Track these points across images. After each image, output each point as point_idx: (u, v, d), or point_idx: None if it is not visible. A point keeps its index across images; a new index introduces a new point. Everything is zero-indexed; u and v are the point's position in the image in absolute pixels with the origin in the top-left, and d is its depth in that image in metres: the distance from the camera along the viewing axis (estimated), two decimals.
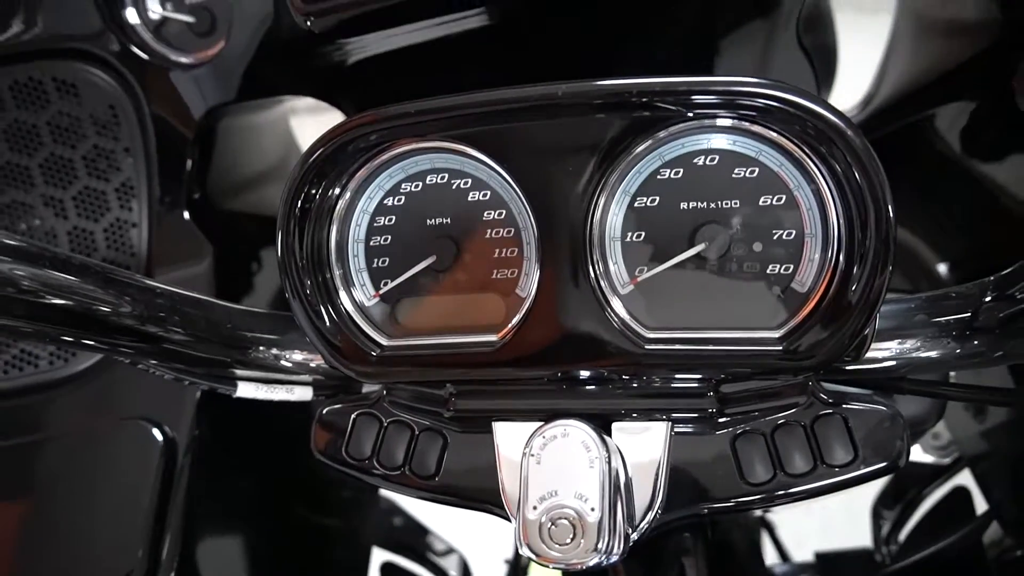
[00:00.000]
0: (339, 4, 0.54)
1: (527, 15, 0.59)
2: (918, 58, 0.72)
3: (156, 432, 0.63)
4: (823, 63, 0.65)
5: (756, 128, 0.41)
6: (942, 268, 0.75)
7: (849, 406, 0.45)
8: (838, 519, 0.86)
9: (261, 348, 0.53)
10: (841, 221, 0.42)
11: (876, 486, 0.86)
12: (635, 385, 0.46)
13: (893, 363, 0.46)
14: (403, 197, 0.48)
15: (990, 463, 0.72)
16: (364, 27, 0.57)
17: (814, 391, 0.45)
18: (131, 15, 0.63)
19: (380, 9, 0.53)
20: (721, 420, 0.46)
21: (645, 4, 0.63)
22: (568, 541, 0.40)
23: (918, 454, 0.86)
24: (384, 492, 0.92)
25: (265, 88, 0.66)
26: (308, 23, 0.55)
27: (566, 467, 0.41)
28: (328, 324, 0.48)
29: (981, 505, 0.73)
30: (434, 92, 0.67)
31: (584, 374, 0.46)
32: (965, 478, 0.77)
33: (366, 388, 0.55)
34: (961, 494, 0.78)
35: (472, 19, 0.57)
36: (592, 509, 0.40)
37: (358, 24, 0.56)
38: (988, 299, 0.43)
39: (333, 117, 0.70)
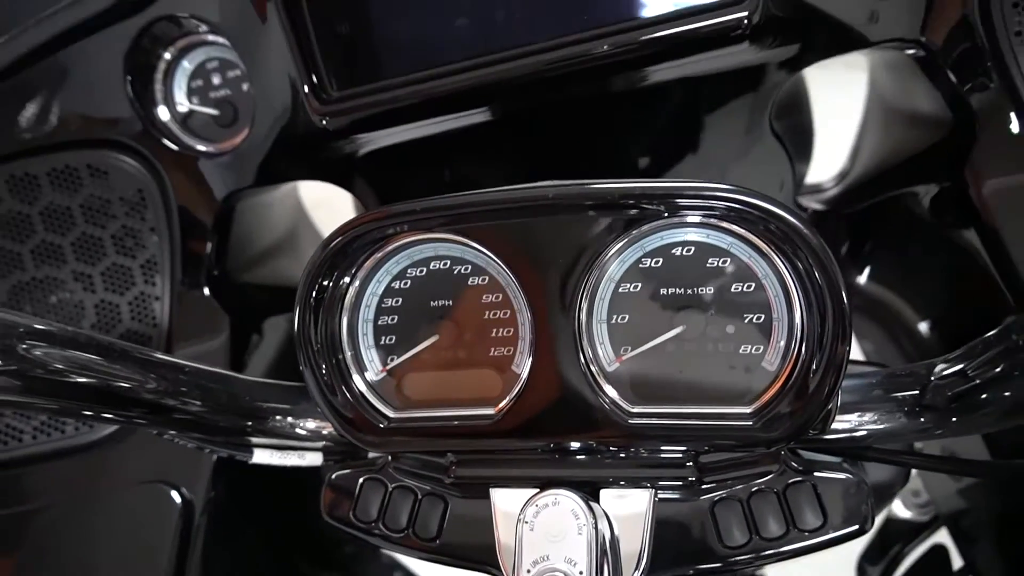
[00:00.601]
0: (351, 107, 0.60)
1: (523, 114, 0.65)
2: (887, 141, 0.77)
3: (174, 494, 0.66)
4: (798, 146, 0.70)
5: (725, 224, 0.45)
6: (923, 329, 0.80)
7: (818, 474, 0.48)
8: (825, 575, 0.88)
9: (276, 417, 0.56)
10: (803, 310, 0.44)
11: (861, 543, 0.89)
12: (621, 455, 0.49)
13: (855, 434, 0.50)
14: (409, 281, 0.53)
15: (965, 521, 0.75)
16: (373, 126, 0.62)
17: (786, 460, 0.49)
18: (162, 112, 0.69)
19: (388, 111, 0.59)
20: (701, 487, 0.49)
21: (633, 104, 0.69)
22: None
23: (901, 511, 0.89)
24: (387, 552, 0.94)
25: (281, 175, 0.70)
26: (323, 122, 0.61)
27: (556, 533, 0.44)
28: (340, 399, 0.52)
29: (958, 562, 0.76)
30: (435, 180, 0.72)
31: (574, 445, 0.49)
32: (944, 536, 0.80)
33: (372, 454, 0.57)
34: (940, 552, 0.81)
35: (471, 117, 0.63)
36: (580, 572, 0.43)
37: (368, 123, 0.62)
38: (934, 379, 0.45)
39: (339, 194, 0.76)
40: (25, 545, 0.66)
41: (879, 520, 0.90)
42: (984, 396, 0.44)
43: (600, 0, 0.57)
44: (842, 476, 0.48)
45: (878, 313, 0.80)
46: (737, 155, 0.75)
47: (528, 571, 0.44)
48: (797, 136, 0.72)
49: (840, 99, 0.83)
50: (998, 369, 0.43)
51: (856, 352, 0.91)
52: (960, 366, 0.45)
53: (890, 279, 0.80)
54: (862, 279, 0.84)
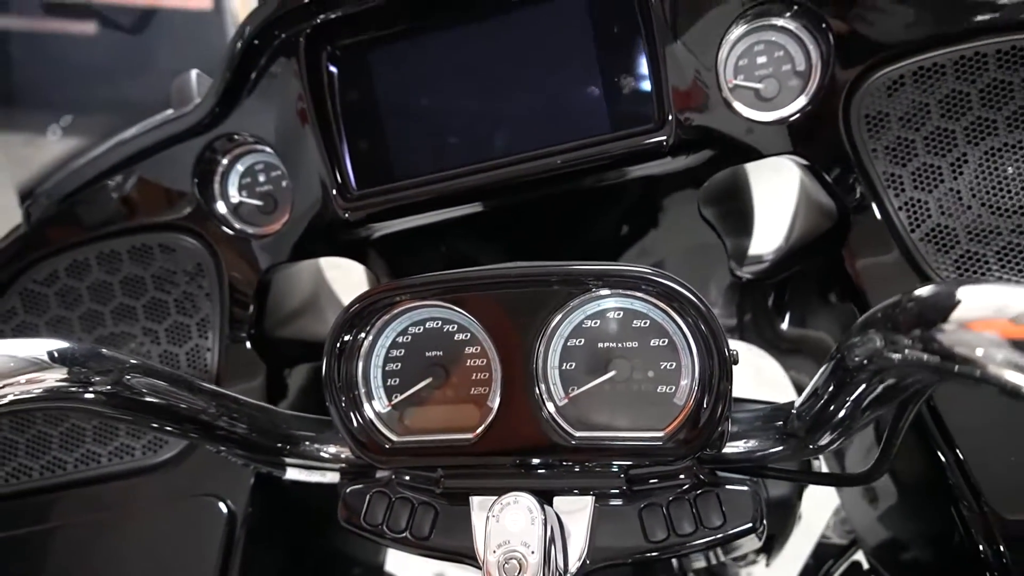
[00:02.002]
0: (368, 203, 0.73)
1: (507, 207, 0.77)
2: (798, 226, 0.90)
3: (221, 505, 0.75)
4: (725, 229, 0.81)
5: (639, 295, 0.57)
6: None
7: (722, 485, 0.58)
8: None
9: (305, 443, 0.67)
10: (697, 357, 0.56)
11: (798, 563, 0.99)
12: (569, 469, 0.59)
13: (749, 455, 0.59)
14: (410, 336, 0.63)
15: (878, 541, 0.85)
16: (386, 217, 0.75)
17: (697, 474, 0.58)
18: (219, 205, 0.80)
19: (397, 207, 0.73)
20: (631, 495, 0.59)
21: (595, 199, 0.81)
22: (516, 573, 0.53)
23: (830, 533, 0.99)
24: (389, 561, 1.05)
25: (310, 253, 0.81)
26: (346, 215, 0.74)
27: (516, 525, 0.55)
28: (355, 426, 0.62)
29: None
30: (436, 258, 0.85)
31: (534, 461, 0.59)
32: (861, 555, 0.91)
33: (380, 473, 0.66)
34: (857, 569, 0.91)
35: (464, 210, 0.76)
36: (532, 552, 0.53)
37: (382, 215, 0.74)
38: (794, 411, 0.55)
39: (355, 267, 0.88)
40: (97, 550, 0.76)
41: (812, 542, 1.00)
42: (821, 418, 0.52)
43: (558, 125, 0.69)
44: (741, 488, 0.57)
45: (800, 351, 0.92)
46: (682, 236, 0.86)
47: (494, 552, 0.54)
48: (724, 221, 0.83)
49: (760, 193, 0.97)
50: (827, 393, 0.50)
51: (783, 384, 1.02)
52: (809, 397, 0.53)
53: (803, 326, 0.92)
54: (784, 326, 0.97)
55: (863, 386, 0.44)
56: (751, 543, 0.64)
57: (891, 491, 0.74)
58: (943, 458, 0.62)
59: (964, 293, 0.35)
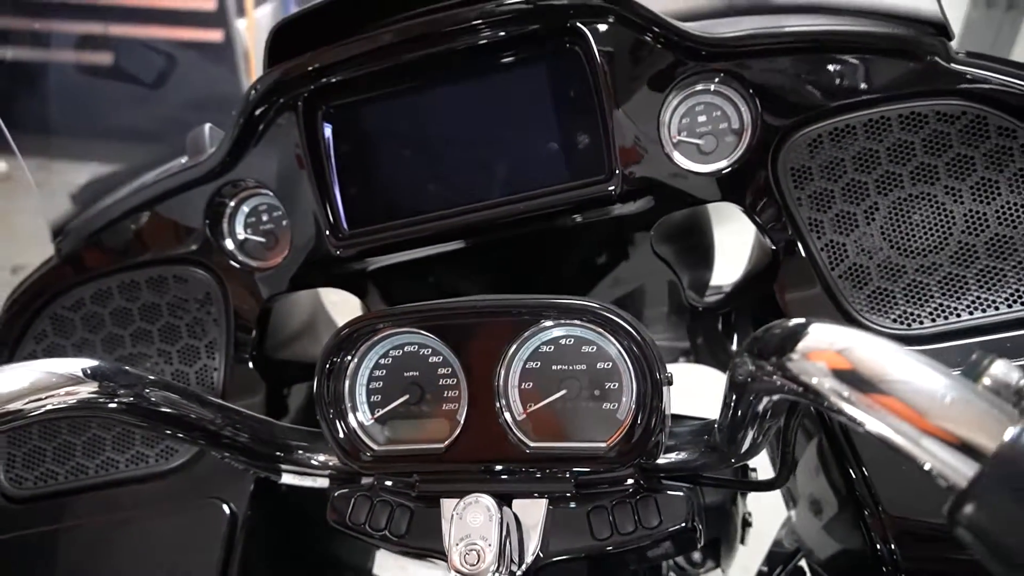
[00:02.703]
0: (358, 242, 0.78)
1: (483, 244, 0.82)
2: (751, 257, 0.99)
3: (224, 508, 0.81)
4: (677, 265, 0.87)
5: (585, 323, 0.64)
6: None
7: (660, 491, 0.64)
8: None
9: (298, 451, 0.72)
10: (634, 378, 0.62)
11: (755, 566, 1.06)
12: (530, 474, 0.65)
13: (680, 464, 0.65)
14: (391, 359, 0.70)
15: (813, 547, 0.92)
16: (374, 254, 0.80)
17: (639, 480, 0.64)
18: (227, 242, 0.86)
19: (384, 245, 0.78)
20: (580, 498, 0.64)
21: (560, 238, 0.86)
22: (475, 563, 0.59)
23: (784, 540, 1.07)
24: (376, 563, 1.12)
25: (307, 284, 0.86)
26: (337, 252, 0.79)
27: (476, 521, 0.61)
28: (341, 436, 0.68)
29: None
30: (421, 288, 0.93)
31: (496, 467, 0.65)
32: (803, 561, 0.98)
33: (364, 480, 0.71)
34: (799, 573, 0.99)
35: (445, 247, 0.81)
36: (489, 545, 0.59)
37: (370, 252, 0.79)
38: (716, 426, 0.60)
39: (347, 297, 0.93)
40: (113, 546, 0.82)
41: (765, 547, 1.07)
42: (732, 432, 0.56)
43: (523, 175, 0.75)
44: (676, 493, 0.63)
45: None
46: (644, 270, 0.93)
47: (456, 545, 0.60)
48: (677, 257, 0.89)
49: (716, 233, 1.06)
50: (729, 409, 0.55)
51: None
52: (722, 413, 0.58)
53: None
54: (733, 348, 1.03)
55: (750, 403, 0.51)
56: (708, 549, 0.70)
57: (828, 502, 0.81)
58: (853, 473, 0.70)
59: (808, 329, 0.43)
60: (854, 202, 0.72)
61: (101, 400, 0.59)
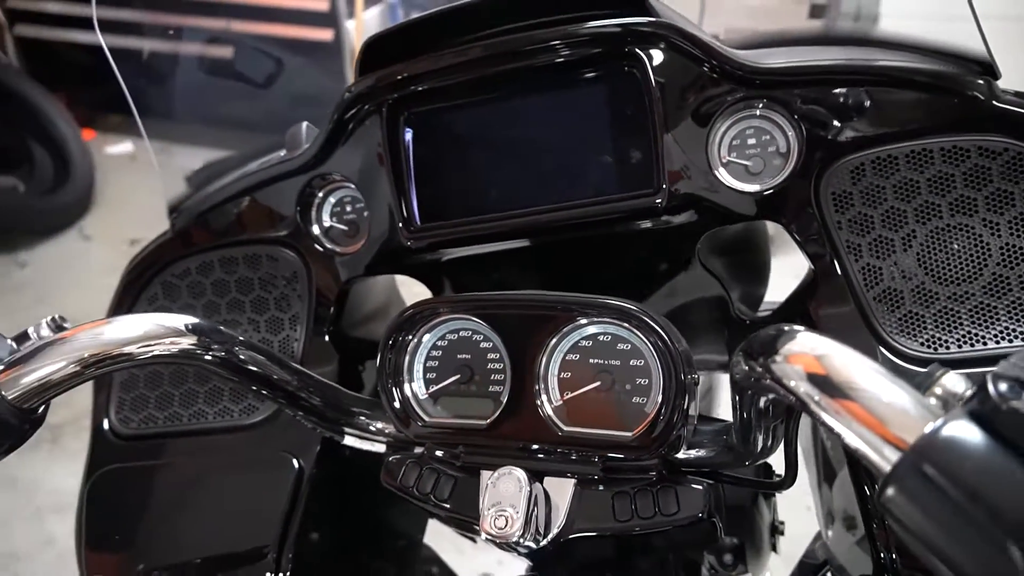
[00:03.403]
0: (428, 235, 0.85)
1: (542, 244, 0.87)
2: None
3: (294, 462, 0.88)
4: (724, 278, 0.91)
5: (619, 322, 0.69)
6: None
7: (681, 483, 0.67)
8: None
9: (361, 417, 0.79)
10: (662, 376, 0.67)
11: None
12: (561, 455, 0.69)
13: (703, 460, 0.69)
14: (447, 342, 0.75)
15: (840, 562, 0.94)
16: (442, 247, 0.86)
17: (662, 471, 0.68)
18: (314, 228, 0.93)
19: (452, 239, 0.85)
20: (606, 482, 0.68)
21: (614, 243, 0.91)
22: (504, 528, 0.64)
23: (814, 554, 1.08)
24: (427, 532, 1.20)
25: (381, 270, 0.92)
26: (409, 243, 0.86)
27: (508, 491, 0.66)
28: (398, 406, 0.74)
29: None
30: (484, 280, 1.00)
31: (532, 446, 0.70)
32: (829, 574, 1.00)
33: (417, 449, 0.77)
34: None
35: (507, 244, 0.86)
36: (517, 513, 0.64)
37: (439, 246, 0.86)
38: (733, 430, 0.64)
39: (420, 286, 1.00)
40: (198, 485, 0.91)
41: (793, 562, 1.09)
42: (743, 432, 0.61)
43: (579, 184, 0.80)
44: (695, 487, 0.67)
45: None
46: (694, 283, 0.95)
47: (488, 510, 0.66)
48: (726, 271, 0.92)
49: (759, 250, 1.09)
50: (737, 410, 0.59)
51: None
52: (737, 414, 0.61)
53: None
54: None
55: (750, 403, 0.56)
56: (737, 553, 0.74)
57: (840, 513, 0.83)
58: (866, 487, 0.73)
59: (793, 336, 0.48)
60: (892, 228, 0.75)
61: (198, 352, 0.68)
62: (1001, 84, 0.73)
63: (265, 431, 0.93)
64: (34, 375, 0.60)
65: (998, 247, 0.71)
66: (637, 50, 0.75)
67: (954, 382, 0.39)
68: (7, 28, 5.89)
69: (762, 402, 0.54)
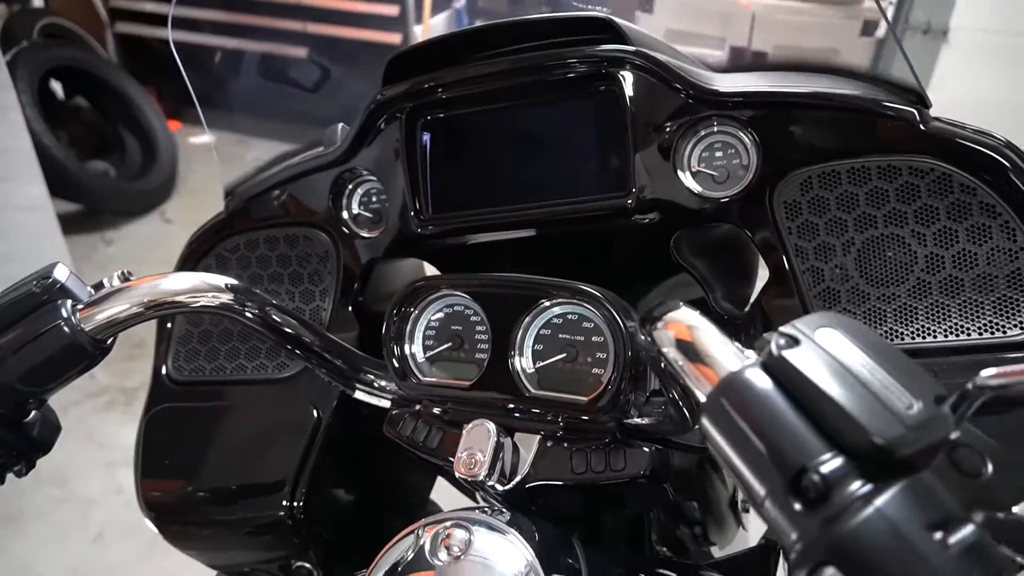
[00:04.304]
0: (438, 223, 0.96)
1: (544, 234, 0.98)
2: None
3: (314, 411, 0.99)
4: (698, 273, 0.99)
5: (582, 303, 0.79)
6: None
7: (632, 446, 0.75)
8: None
9: (371, 376, 0.88)
10: (614, 350, 0.77)
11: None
12: (530, 413, 0.78)
13: (651, 427, 0.75)
14: (443, 314, 0.86)
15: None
16: (452, 235, 0.98)
17: (615, 434, 0.75)
18: (345, 215, 1.03)
19: (461, 227, 0.97)
20: (566, 439, 0.77)
21: (599, 238, 1.02)
22: (472, 468, 0.74)
23: None
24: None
25: (397, 254, 1.03)
26: (419, 230, 0.98)
27: (479, 437, 0.76)
28: (398, 366, 0.84)
29: None
30: (487, 267, 1.12)
31: (508, 406, 0.78)
32: None
33: (417, 407, 0.86)
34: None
35: (513, 233, 0.98)
36: (484, 456, 0.74)
37: (448, 234, 0.98)
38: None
39: (429, 266, 1.14)
40: (234, 426, 1.04)
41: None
42: (673, 405, 0.67)
43: (566, 185, 0.91)
44: (643, 449, 0.75)
45: None
46: (672, 277, 1.07)
47: (462, 454, 0.77)
48: (709, 272, 1.00)
49: (745, 252, 1.17)
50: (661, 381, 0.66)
51: None
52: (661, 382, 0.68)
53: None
54: None
55: (659, 371, 0.65)
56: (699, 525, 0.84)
57: None
58: None
59: (668, 309, 0.58)
60: (835, 235, 0.82)
61: (236, 307, 0.81)
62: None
63: (293, 385, 1.06)
64: (105, 313, 0.75)
65: (923, 255, 0.79)
66: (613, 72, 0.87)
67: (774, 339, 0.49)
68: (108, 25, 6.33)
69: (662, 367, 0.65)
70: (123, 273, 0.81)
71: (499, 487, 0.77)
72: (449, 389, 0.84)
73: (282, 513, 1.00)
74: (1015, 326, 0.75)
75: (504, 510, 0.75)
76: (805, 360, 0.44)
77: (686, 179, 0.89)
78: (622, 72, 0.86)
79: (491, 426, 0.80)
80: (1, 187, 3.24)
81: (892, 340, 0.80)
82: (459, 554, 0.64)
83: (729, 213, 0.88)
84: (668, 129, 0.88)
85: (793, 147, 0.84)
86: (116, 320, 0.74)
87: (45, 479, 3.03)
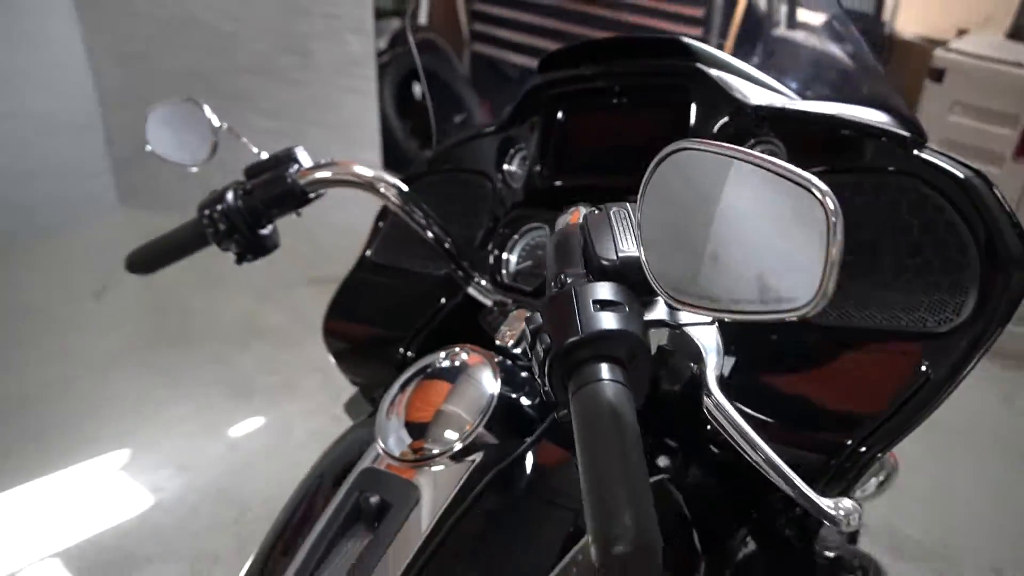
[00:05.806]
0: (553, 179, 1.35)
1: None
2: None
3: (442, 298, 1.21)
4: None
5: None
6: None
7: None
8: None
9: (483, 282, 1.14)
10: None
11: None
12: None
13: None
14: (534, 240, 1.20)
15: None
16: (560, 192, 1.23)
17: None
18: (505, 167, 1.25)
19: (564, 187, 1.26)
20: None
21: None
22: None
23: None
24: None
25: (530, 203, 1.22)
26: (539, 184, 1.28)
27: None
28: (493, 263, 1.15)
29: None
30: None
31: None
32: None
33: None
34: None
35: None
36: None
37: (558, 191, 1.23)
38: None
39: None
40: (388, 298, 1.35)
41: None
42: None
43: (638, 162, 1.21)
44: None
45: None
46: None
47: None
48: None
49: None
50: None
51: None
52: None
53: None
54: None
55: None
56: None
57: None
58: None
59: None
60: None
61: (390, 196, 1.18)
62: None
63: (433, 279, 1.27)
64: (313, 175, 1.19)
65: (890, 263, 0.91)
66: (680, 82, 1.12)
67: None
68: (468, 44, 7.50)
69: None
70: (333, 159, 1.26)
71: None
72: (521, 294, 1.10)
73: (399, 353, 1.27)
74: (937, 322, 0.86)
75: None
76: None
77: None
78: (686, 84, 1.11)
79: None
80: (349, 149, 4.19)
81: (842, 318, 0.93)
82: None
83: None
84: (722, 132, 1.08)
85: (812, 157, 0.99)
86: (317, 180, 1.15)
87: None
